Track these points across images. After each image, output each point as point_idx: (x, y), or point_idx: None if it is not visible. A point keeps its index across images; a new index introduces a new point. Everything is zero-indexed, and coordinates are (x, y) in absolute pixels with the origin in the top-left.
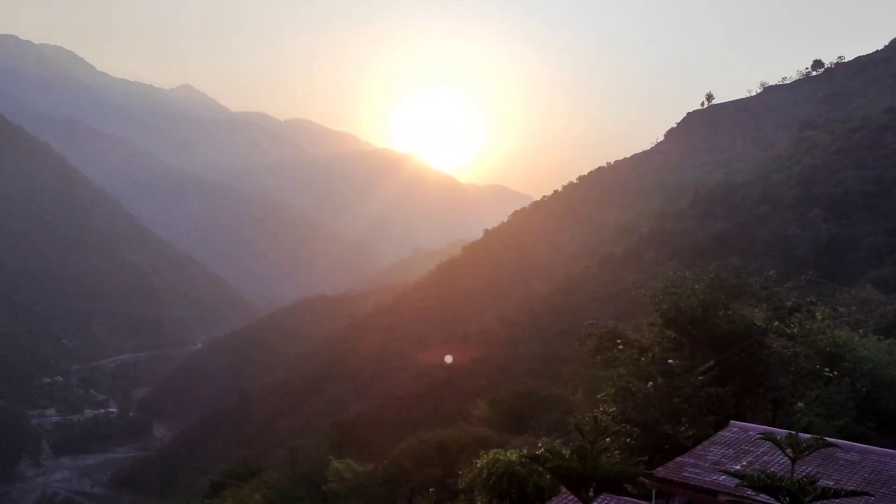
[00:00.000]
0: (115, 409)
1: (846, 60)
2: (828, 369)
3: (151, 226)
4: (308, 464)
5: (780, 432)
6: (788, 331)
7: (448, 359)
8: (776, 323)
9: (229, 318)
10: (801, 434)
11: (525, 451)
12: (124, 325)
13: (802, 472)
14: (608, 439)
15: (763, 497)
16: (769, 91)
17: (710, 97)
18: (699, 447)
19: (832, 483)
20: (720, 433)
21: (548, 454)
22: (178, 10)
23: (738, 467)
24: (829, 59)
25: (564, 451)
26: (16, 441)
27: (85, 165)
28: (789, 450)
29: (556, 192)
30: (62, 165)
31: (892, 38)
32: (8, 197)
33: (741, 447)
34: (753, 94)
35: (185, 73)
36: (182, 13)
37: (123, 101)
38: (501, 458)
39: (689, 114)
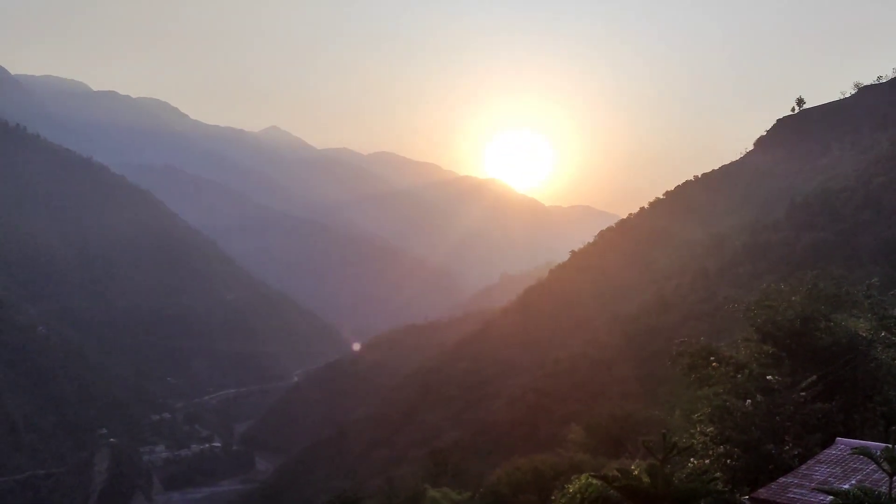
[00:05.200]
0: (219, 444)
1: None
2: None
3: (246, 264)
4: (405, 493)
5: None
6: None
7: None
8: (882, 333)
9: (323, 351)
10: None
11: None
12: (224, 362)
13: None
14: (707, 461)
15: None
16: (864, 91)
17: (800, 102)
18: (804, 466)
19: None
20: (826, 451)
21: (617, 473)
22: (261, 56)
23: (846, 486)
24: None
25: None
26: (130, 477)
27: (182, 210)
28: (886, 464)
29: (642, 209)
30: (162, 211)
31: None
32: (114, 243)
33: (849, 465)
34: (847, 95)
35: (271, 114)
36: (265, 59)
37: (215, 146)
38: (595, 482)
39: (779, 120)
